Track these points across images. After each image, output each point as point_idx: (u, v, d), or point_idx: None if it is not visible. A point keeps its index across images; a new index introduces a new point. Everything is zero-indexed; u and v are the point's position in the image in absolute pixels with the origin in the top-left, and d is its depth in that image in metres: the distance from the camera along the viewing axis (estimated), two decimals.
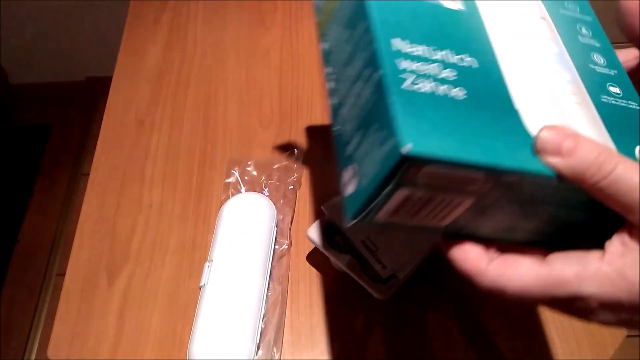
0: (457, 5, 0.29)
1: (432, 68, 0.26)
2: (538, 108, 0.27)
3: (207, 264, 0.50)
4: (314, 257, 0.53)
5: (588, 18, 0.34)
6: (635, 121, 0.29)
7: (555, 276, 0.24)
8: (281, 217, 0.54)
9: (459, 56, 0.27)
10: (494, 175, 0.24)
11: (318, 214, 0.55)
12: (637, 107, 0.30)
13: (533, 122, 0.26)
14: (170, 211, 0.56)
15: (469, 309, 0.50)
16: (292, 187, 0.56)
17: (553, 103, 0.28)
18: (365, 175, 0.26)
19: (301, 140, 0.61)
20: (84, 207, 0.57)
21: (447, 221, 0.27)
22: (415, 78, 0.25)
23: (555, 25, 0.32)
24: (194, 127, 0.63)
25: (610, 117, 0.29)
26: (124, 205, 0.57)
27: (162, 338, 0.49)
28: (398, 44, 0.26)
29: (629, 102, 0.30)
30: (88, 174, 0.59)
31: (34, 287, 1.36)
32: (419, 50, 0.26)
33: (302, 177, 0.58)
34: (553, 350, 0.47)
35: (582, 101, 0.29)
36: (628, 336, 0.48)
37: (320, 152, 0.60)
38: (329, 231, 0.49)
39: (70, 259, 0.54)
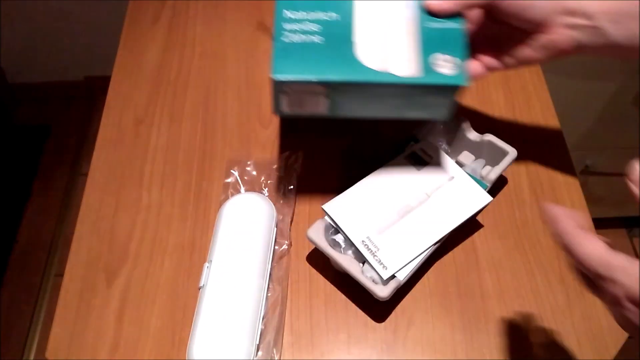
0: None
1: (304, 26, 0.42)
2: (371, 41, 0.42)
3: (206, 264, 0.49)
4: (314, 257, 0.53)
5: None
6: (446, 37, 0.43)
7: (609, 260, 0.30)
8: (281, 217, 0.54)
9: (326, 14, 0.43)
10: (327, 84, 0.42)
11: (318, 214, 0.55)
12: (456, 26, 0.43)
13: (363, 49, 0.42)
14: (169, 211, 0.56)
15: (469, 309, 0.50)
16: (292, 187, 0.56)
17: (385, 36, 0.43)
18: (273, 93, 0.43)
19: (301, 140, 0.61)
20: (83, 207, 0.57)
21: (322, 111, 0.45)
22: (292, 34, 0.42)
23: None
24: (193, 127, 0.62)
25: (430, 38, 0.42)
26: (123, 205, 0.57)
27: (161, 339, 0.49)
28: (287, 13, 0.43)
29: (450, 23, 0.43)
30: (87, 174, 0.59)
31: (32, 288, 1.36)
32: (299, 15, 0.43)
33: (302, 177, 0.58)
34: (555, 351, 0.47)
35: (411, 29, 0.43)
36: (630, 337, 0.48)
37: (320, 152, 0.60)
38: (329, 231, 0.49)
39: (68, 259, 0.54)
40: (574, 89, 0.97)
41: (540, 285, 0.51)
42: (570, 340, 0.48)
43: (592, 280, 0.32)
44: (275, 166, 0.57)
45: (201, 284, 0.48)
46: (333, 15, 0.43)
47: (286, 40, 0.42)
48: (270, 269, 0.50)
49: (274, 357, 0.47)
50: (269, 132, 0.62)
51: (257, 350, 0.46)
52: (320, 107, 0.44)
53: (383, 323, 0.49)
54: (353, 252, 0.47)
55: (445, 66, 0.41)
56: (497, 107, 0.63)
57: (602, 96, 1.00)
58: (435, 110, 0.45)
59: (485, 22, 0.46)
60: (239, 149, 0.60)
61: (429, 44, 0.42)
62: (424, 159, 0.52)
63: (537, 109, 0.62)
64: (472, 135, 0.54)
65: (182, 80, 0.66)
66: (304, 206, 0.56)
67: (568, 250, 0.32)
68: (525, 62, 0.45)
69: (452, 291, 0.50)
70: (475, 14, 0.46)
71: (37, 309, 1.33)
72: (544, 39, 0.43)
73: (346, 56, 0.41)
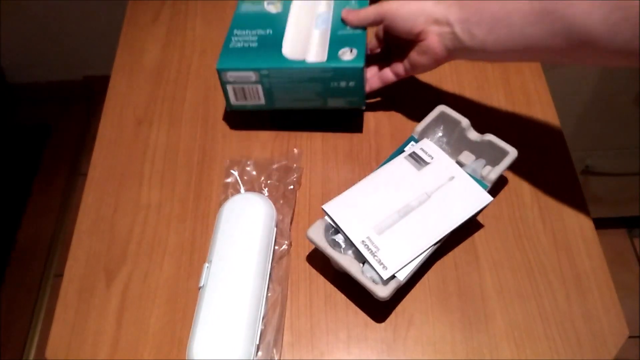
0: (277, 10, 0.61)
1: (247, 38, 0.58)
2: (293, 42, 0.57)
3: (206, 264, 0.49)
4: (314, 257, 0.53)
5: None
6: (352, 38, 0.56)
7: None
8: (281, 217, 0.54)
9: (264, 31, 0.58)
10: (257, 71, 0.55)
11: (318, 214, 0.55)
12: (359, 32, 0.57)
13: (287, 48, 0.56)
14: (169, 211, 0.56)
15: (469, 309, 0.50)
16: (291, 187, 0.56)
17: (304, 41, 0.57)
18: (222, 87, 0.57)
19: (301, 140, 0.61)
20: (82, 207, 0.57)
21: (262, 102, 0.58)
22: (236, 42, 0.57)
23: (334, 5, 0.60)
24: (193, 127, 0.62)
25: (338, 40, 0.56)
26: (123, 205, 0.57)
27: (161, 339, 0.49)
28: (236, 32, 0.59)
29: (356, 30, 0.57)
30: (86, 174, 0.59)
31: (32, 288, 1.36)
32: (245, 32, 0.58)
33: (301, 177, 0.58)
34: (555, 351, 0.47)
35: (323, 35, 0.57)
36: (630, 337, 0.48)
37: (320, 152, 0.60)
38: (329, 231, 0.48)
39: (68, 259, 0.54)
40: (574, 89, 0.97)
41: (540, 285, 0.51)
42: (570, 340, 0.48)
43: None
44: (275, 166, 0.57)
45: (201, 284, 0.48)
46: (268, 31, 0.58)
47: (233, 46, 0.57)
48: (270, 269, 0.50)
49: (274, 357, 0.47)
50: (269, 132, 0.62)
51: (257, 350, 0.46)
52: (260, 98, 0.58)
53: (383, 323, 0.49)
54: (353, 252, 0.47)
55: (348, 56, 0.54)
56: (498, 107, 0.63)
57: (602, 96, 1.00)
58: (351, 97, 0.57)
59: (389, 37, 0.57)
60: (239, 149, 0.60)
61: (338, 43, 0.56)
62: (424, 159, 0.52)
63: (538, 108, 0.62)
64: (473, 135, 0.54)
65: (182, 79, 0.66)
66: (304, 206, 0.56)
67: None
68: (416, 66, 0.55)
69: (452, 291, 0.50)
70: (380, 31, 0.58)
71: (37, 309, 1.33)
72: (423, 45, 0.53)
73: (274, 54, 0.56)
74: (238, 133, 0.62)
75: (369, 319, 0.49)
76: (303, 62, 0.54)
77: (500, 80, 0.65)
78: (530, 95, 0.63)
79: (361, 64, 0.53)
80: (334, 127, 0.61)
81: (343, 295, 0.51)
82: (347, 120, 0.62)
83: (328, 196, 0.56)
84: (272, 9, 0.61)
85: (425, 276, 0.51)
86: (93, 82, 1.65)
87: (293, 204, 0.55)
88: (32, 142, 1.62)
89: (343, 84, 0.55)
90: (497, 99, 0.63)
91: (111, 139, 0.62)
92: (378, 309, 0.50)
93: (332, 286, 0.51)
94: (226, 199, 0.54)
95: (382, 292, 0.45)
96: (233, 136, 0.61)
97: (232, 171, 0.57)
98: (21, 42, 1.51)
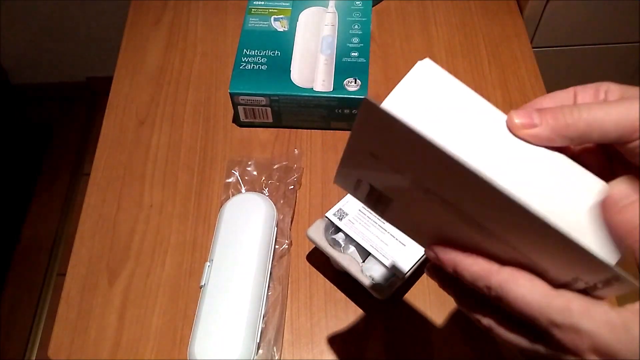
0: (284, 28, 0.63)
1: (255, 59, 0.60)
2: (301, 68, 0.59)
3: (207, 263, 0.50)
4: (314, 257, 0.53)
5: (364, 19, 0.63)
6: (355, 67, 0.59)
7: (562, 302, 0.24)
8: (281, 217, 0.54)
9: (272, 52, 0.61)
10: (267, 96, 0.58)
11: (318, 214, 0.56)
12: (363, 61, 0.60)
13: (295, 74, 0.59)
14: (171, 211, 0.56)
15: None
16: (292, 187, 0.56)
17: (312, 65, 0.59)
18: (233, 107, 0.60)
19: (301, 140, 0.61)
20: (85, 206, 0.57)
21: (270, 120, 0.61)
22: (246, 64, 0.59)
23: (338, 28, 0.63)
24: (195, 127, 0.63)
25: (344, 68, 0.59)
26: (125, 205, 0.57)
27: (163, 338, 0.49)
28: (245, 51, 0.61)
29: (359, 59, 0.60)
30: (89, 174, 0.60)
31: (34, 287, 1.37)
32: (253, 52, 0.60)
33: (302, 177, 0.58)
34: None
35: (329, 62, 0.60)
36: None
37: (320, 152, 0.60)
38: (329, 231, 0.49)
39: (71, 258, 0.54)
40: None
41: None
42: None
43: (542, 329, 0.25)
44: (275, 166, 0.58)
45: (202, 283, 0.49)
46: (276, 52, 0.60)
47: (243, 67, 0.59)
48: (271, 268, 0.51)
49: (274, 355, 0.47)
50: (269, 132, 0.62)
51: (258, 349, 0.47)
52: (268, 118, 0.60)
53: (382, 321, 0.49)
54: (352, 252, 0.48)
55: (352, 86, 0.58)
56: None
57: None
58: (353, 121, 0.54)
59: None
60: (240, 150, 0.61)
61: (343, 72, 0.59)
62: None
63: None
64: None
65: (184, 80, 0.67)
66: (304, 206, 0.56)
67: (497, 295, 0.25)
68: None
69: None
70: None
71: (39, 308, 1.34)
72: None
73: (283, 79, 0.58)
74: (239, 134, 0.62)
75: (368, 317, 0.50)
76: (311, 90, 0.57)
77: (498, 81, 0.65)
78: (527, 96, 0.64)
79: (365, 94, 0.57)
80: (334, 126, 0.62)
81: (343, 294, 0.51)
82: (346, 120, 0.62)
83: (328, 196, 0.57)
84: (279, 26, 0.63)
85: (424, 274, 0.52)
86: (96, 83, 1.65)
87: (293, 204, 0.56)
88: (35, 143, 1.63)
89: (347, 111, 0.59)
90: (494, 100, 0.64)
91: (113, 140, 0.62)
92: (377, 308, 0.50)
93: (332, 285, 0.52)
94: (227, 198, 0.54)
95: (382, 291, 0.45)
96: (234, 137, 0.62)
97: (233, 171, 0.57)
98: (24, 43, 1.52)
